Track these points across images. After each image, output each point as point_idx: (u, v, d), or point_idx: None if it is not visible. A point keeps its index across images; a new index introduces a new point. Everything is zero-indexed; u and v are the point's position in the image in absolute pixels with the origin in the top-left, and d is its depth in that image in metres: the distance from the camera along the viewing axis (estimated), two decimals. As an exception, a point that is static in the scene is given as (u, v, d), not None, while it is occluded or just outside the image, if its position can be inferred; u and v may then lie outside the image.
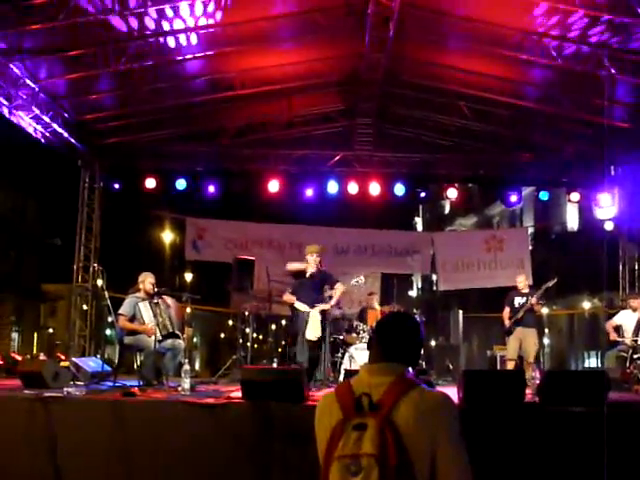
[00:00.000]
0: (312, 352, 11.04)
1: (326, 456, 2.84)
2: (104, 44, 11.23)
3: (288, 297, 11.90)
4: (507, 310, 12.31)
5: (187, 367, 8.84)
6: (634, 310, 11.56)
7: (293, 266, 11.97)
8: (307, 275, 11.39)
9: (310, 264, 11.39)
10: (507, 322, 12.19)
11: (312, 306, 11.17)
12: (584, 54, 11.47)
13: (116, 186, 14.97)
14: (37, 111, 12.24)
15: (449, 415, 2.86)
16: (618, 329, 11.72)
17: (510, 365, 12.00)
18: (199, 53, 11.96)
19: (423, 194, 15.78)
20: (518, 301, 12.18)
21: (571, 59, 11.62)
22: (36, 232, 38.62)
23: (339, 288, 11.41)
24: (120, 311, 10.08)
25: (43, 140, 13.21)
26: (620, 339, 11.58)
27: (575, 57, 11.57)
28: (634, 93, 12.63)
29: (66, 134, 13.33)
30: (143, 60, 11.75)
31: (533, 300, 11.89)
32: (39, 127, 12.73)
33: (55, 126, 12.86)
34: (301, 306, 11.26)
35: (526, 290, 12.39)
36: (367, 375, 2.96)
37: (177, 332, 10.28)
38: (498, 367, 13.31)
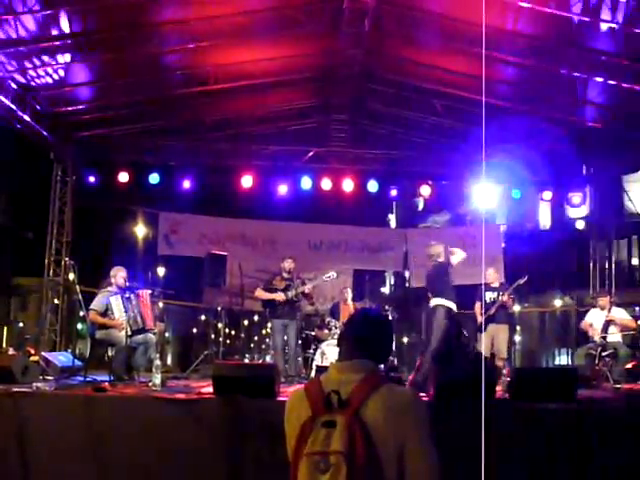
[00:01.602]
0: None
1: (295, 453, 2.84)
2: (79, 36, 11.16)
3: (260, 292, 12.00)
4: (478, 305, 12.38)
5: (158, 362, 8.81)
6: (602, 308, 11.67)
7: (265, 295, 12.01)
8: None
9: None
10: (479, 317, 12.25)
11: None
12: (556, 54, 11.55)
13: (89, 179, 14.84)
14: (8, 102, 12.11)
15: (418, 413, 2.87)
16: (591, 327, 11.83)
17: (482, 361, 12.05)
18: (175, 47, 11.90)
19: (394, 192, 15.75)
20: (489, 295, 12.26)
21: (543, 58, 11.69)
22: (8, 226, 38.23)
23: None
24: (92, 306, 10.06)
25: (14, 132, 13.10)
26: (591, 336, 11.71)
27: (547, 56, 11.64)
28: (605, 93, 12.73)
29: (38, 126, 13.21)
30: (118, 53, 11.71)
31: (504, 297, 11.97)
32: (10, 119, 12.59)
33: (27, 118, 12.72)
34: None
35: (496, 285, 12.46)
36: (336, 372, 2.97)
37: (148, 327, 10.27)
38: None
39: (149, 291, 10.86)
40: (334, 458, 2.70)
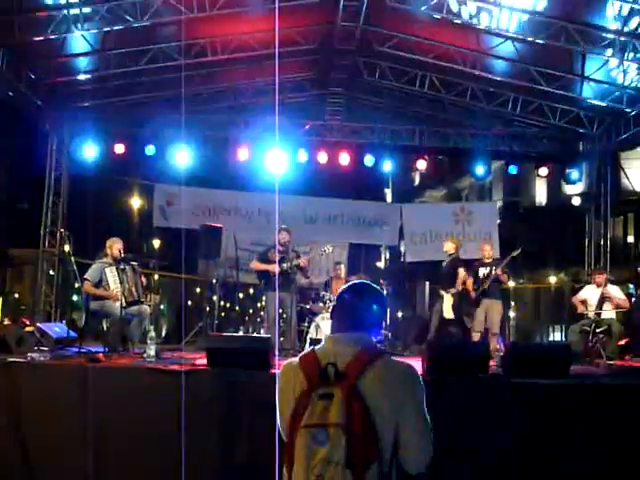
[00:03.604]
0: None
1: (291, 425, 2.85)
2: (75, 6, 11.08)
3: (255, 264, 12.03)
4: (470, 281, 12.37)
5: (153, 334, 8.83)
6: (598, 285, 11.66)
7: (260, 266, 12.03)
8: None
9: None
10: (472, 293, 12.25)
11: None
12: (555, 29, 11.50)
13: (84, 151, 14.77)
14: (3, 72, 12.01)
15: (414, 385, 2.91)
16: (583, 303, 11.83)
17: (475, 337, 12.08)
18: (172, 17, 11.79)
19: (390, 166, 15.64)
20: (482, 271, 12.24)
21: (542, 33, 11.64)
22: (3, 196, 38.06)
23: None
24: (86, 276, 10.03)
25: (8, 102, 13.03)
26: (585, 312, 11.71)
27: (546, 31, 11.59)
28: (604, 70, 12.70)
29: (34, 97, 13.15)
30: (115, 24, 11.62)
31: (498, 270, 11.94)
32: (5, 89, 12.51)
33: (22, 88, 12.66)
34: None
35: (489, 260, 12.43)
36: (332, 344, 2.97)
37: (142, 299, 10.28)
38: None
39: (150, 264, 10.84)
40: (333, 430, 2.72)
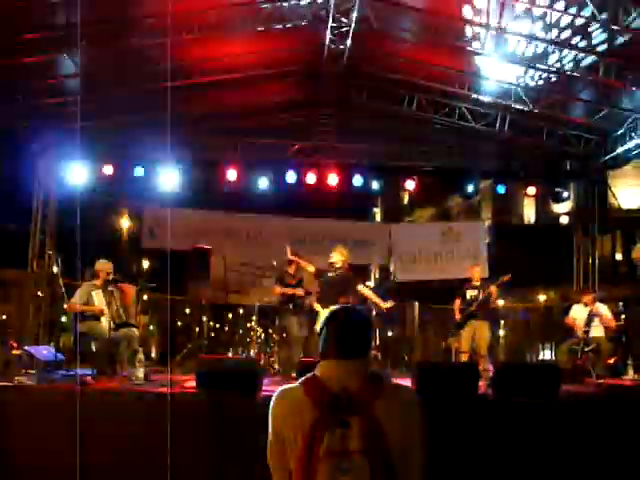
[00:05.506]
0: None
1: (307, 454, 2.80)
2: (63, 29, 11.08)
3: (279, 289, 12.05)
4: (458, 302, 12.38)
5: (141, 356, 8.82)
6: (585, 305, 11.71)
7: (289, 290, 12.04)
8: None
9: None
10: (458, 315, 12.27)
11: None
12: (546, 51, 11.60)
13: (73, 172, 14.69)
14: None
15: (420, 410, 2.95)
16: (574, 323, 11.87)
17: (464, 357, 12.08)
18: (160, 40, 11.80)
19: (379, 186, 15.67)
20: (470, 293, 12.24)
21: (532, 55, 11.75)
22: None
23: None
24: (72, 300, 9.98)
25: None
26: (575, 330, 11.74)
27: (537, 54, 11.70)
28: (591, 90, 12.80)
29: (21, 118, 13.12)
30: (103, 46, 11.63)
31: (487, 292, 11.95)
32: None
33: (9, 109, 12.63)
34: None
35: (478, 283, 12.43)
36: (337, 371, 2.93)
37: (131, 321, 10.24)
38: (452, 359, 13.41)
39: (134, 287, 10.82)
40: (356, 458, 2.73)
